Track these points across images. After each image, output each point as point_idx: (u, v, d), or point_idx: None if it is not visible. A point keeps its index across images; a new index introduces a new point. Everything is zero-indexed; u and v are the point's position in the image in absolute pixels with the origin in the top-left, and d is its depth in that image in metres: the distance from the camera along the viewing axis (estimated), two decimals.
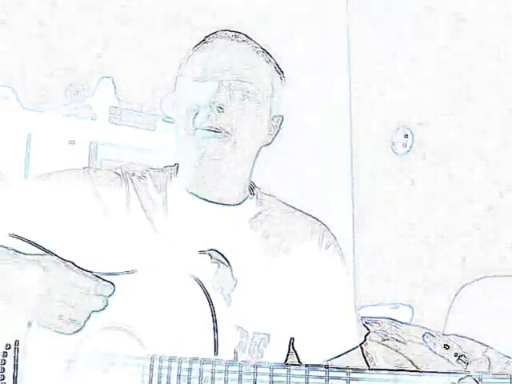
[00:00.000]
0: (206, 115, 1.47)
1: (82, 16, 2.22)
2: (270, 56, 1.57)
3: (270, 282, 1.49)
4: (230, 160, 1.49)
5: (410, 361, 1.86)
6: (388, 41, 2.40)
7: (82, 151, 2.18)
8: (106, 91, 2.24)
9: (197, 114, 1.49)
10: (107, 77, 2.24)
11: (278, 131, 1.59)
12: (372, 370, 1.22)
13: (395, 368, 1.30)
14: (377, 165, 2.39)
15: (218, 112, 1.47)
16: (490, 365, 1.79)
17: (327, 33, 2.41)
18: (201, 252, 1.46)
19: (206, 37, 1.56)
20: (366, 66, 2.43)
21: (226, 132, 1.47)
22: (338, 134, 2.41)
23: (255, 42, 1.56)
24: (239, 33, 1.56)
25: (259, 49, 1.55)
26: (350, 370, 1.23)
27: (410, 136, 2.37)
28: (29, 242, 1.42)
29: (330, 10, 2.41)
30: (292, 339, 1.31)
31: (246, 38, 1.55)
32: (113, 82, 2.24)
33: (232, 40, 1.54)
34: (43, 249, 1.42)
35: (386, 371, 1.21)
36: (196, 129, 1.48)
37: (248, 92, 1.50)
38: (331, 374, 1.24)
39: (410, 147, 2.36)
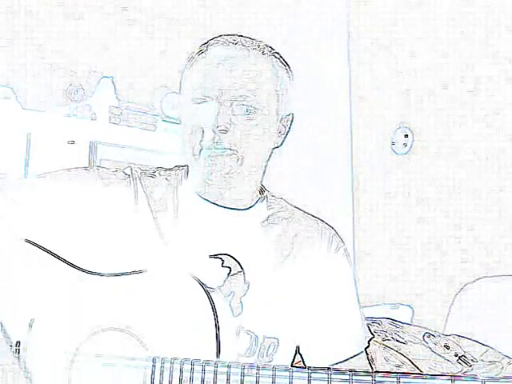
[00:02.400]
0: (211, 138, 1.46)
1: (82, 16, 2.22)
2: (274, 51, 1.52)
3: (281, 285, 1.48)
4: (238, 174, 1.48)
5: (410, 361, 1.85)
6: (388, 40, 2.40)
7: (82, 151, 2.18)
8: (106, 91, 2.24)
9: (202, 134, 1.47)
10: (107, 77, 2.24)
11: (289, 130, 1.56)
12: (375, 372, 1.22)
13: (397, 371, 1.30)
14: (377, 165, 2.39)
15: (222, 133, 1.45)
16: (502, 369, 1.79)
17: (327, 32, 2.41)
18: (212, 256, 1.46)
19: (203, 45, 1.52)
20: (366, 64, 2.43)
21: (232, 150, 1.46)
22: (338, 133, 2.41)
23: (254, 40, 1.51)
24: (237, 35, 1.52)
25: (260, 49, 1.50)
26: (353, 373, 1.23)
27: (410, 136, 2.37)
28: (35, 244, 1.42)
29: (330, 10, 2.41)
30: (298, 347, 1.31)
31: (244, 42, 1.50)
32: (113, 82, 2.24)
33: (229, 46, 1.49)
34: (48, 251, 1.42)
35: (389, 374, 1.21)
36: (202, 149, 1.48)
37: (251, 106, 1.47)
38: (334, 376, 1.24)
39: (410, 147, 2.36)
